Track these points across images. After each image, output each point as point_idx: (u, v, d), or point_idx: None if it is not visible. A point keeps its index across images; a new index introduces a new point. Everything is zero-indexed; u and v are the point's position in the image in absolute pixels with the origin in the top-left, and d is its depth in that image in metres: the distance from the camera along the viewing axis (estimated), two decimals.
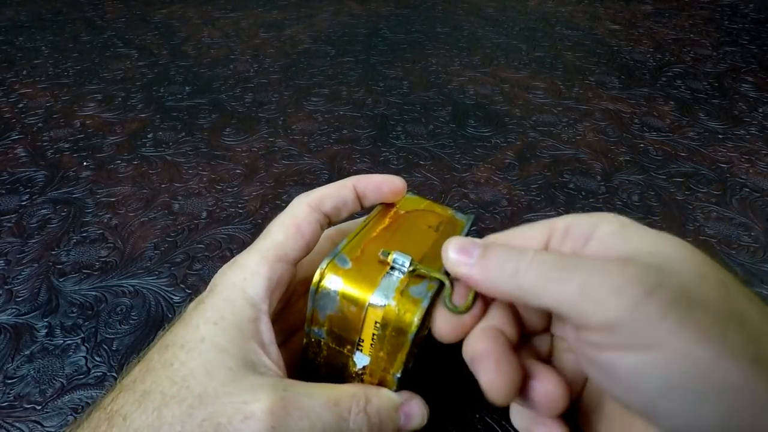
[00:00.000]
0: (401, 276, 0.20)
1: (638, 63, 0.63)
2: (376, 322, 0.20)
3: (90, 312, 0.30)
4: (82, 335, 0.29)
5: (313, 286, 0.20)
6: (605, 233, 0.18)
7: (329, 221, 0.24)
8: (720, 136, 0.49)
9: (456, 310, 0.20)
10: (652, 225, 0.20)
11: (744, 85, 0.58)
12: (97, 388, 0.26)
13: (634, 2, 0.83)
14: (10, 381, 0.27)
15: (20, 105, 0.51)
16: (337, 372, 0.22)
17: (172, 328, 0.20)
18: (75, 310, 0.31)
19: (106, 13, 0.74)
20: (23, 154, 0.44)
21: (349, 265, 0.20)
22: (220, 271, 0.22)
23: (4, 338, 0.29)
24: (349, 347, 0.21)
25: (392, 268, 0.21)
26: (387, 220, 0.24)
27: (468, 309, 0.20)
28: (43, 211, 0.38)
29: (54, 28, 0.69)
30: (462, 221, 0.25)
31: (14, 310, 0.31)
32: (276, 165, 0.43)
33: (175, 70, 0.59)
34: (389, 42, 0.67)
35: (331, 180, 0.41)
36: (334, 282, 0.20)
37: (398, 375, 0.20)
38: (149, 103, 0.52)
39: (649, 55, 0.65)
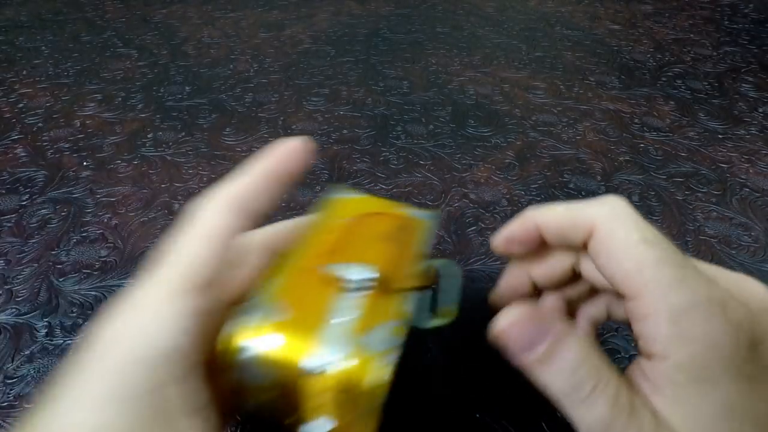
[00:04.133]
0: (353, 319, 0.15)
1: (638, 63, 0.63)
2: (325, 390, 0.15)
3: (90, 312, 0.30)
4: (82, 335, 0.29)
5: (220, 357, 0.15)
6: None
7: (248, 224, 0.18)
8: (720, 136, 0.49)
9: (442, 322, 0.18)
10: (651, 225, 0.20)
11: (744, 85, 0.58)
12: None
13: (634, 2, 0.82)
14: (10, 381, 0.27)
15: (20, 105, 0.51)
16: None
17: (42, 414, 0.14)
18: (75, 310, 0.31)
19: (106, 13, 0.74)
20: (23, 154, 0.44)
21: (277, 317, 0.15)
22: (105, 317, 0.15)
23: (4, 338, 0.29)
24: (292, 419, 0.16)
25: (349, 288, 0.16)
26: (324, 238, 0.18)
27: (454, 318, 0.18)
28: (43, 211, 0.38)
29: (54, 28, 0.69)
30: (422, 221, 0.20)
31: (14, 310, 0.31)
32: None
33: (175, 70, 0.59)
34: (389, 42, 0.67)
35: (330, 180, 0.42)
36: (252, 347, 0.14)
37: None
38: (149, 103, 0.52)
39: (649, 55, 0.65)
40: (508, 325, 0.16)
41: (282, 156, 0.19)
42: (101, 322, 0.15)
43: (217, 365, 0.16)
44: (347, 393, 0.15)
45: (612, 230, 0.17)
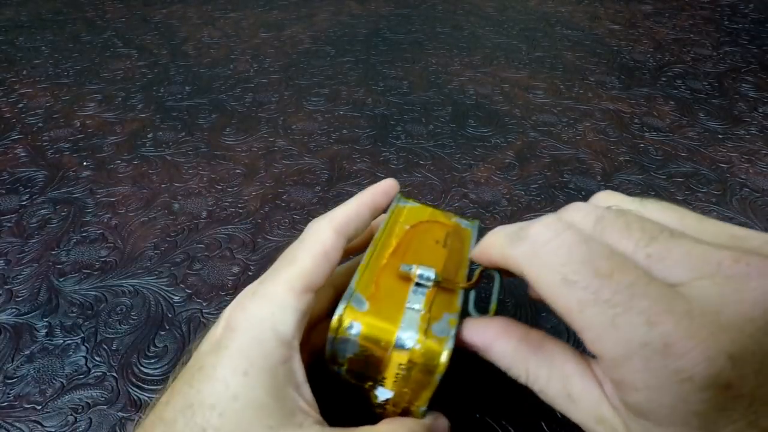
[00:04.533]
0: (421, 308, 0.19)
1: (638, 63, 0.63)
2: (400, 364, 0.19)
3: (90, 312, 0.30)
4: (82, 335, 0.29)
5: (331, 333, 0.19)
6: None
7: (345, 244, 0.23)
8: (720, 136, 0.49)
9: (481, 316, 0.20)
10: (582, 245, 0.19)
11: (744, 85, 0.58)
12: (97, 388, 0.26)
13: (634, 2, 0.82)
14: (10, 381, 0.27)
15: (20, 105, 0.51)
16: (358, 400, 0.21)
17: (190, 381, 0.18)
18: (75, 310, 0.31)
19: (106, 13, 0.74)
20: (23, 154, 0.44)
21: (366, 306, 0.19)
22: (236, 304, 0.19)
23: (4, 338, 0.29)
24: (370, 383, 0.20)
25: (417, 284, 0.20)
26: (393, 241, 0.23)
27: (494, 313, 0.20)
28: (43, 211, 0.38)
29: (54, 28, 0.69)
30: (467, 230, 0.25)
31: (14, 310, 0.31)
32: (276, 165, 0.43)
33: (175, 70, 0.59)
34: (389, 42, 0.67)
35: (330, 180, 0.42)
36: (353, 327, 0.19)
37: (424, 408, 0.20)
38: (149, 103, 0.52)
39: (649, 55, 0.65)
40: (465, 332, 0.20)
41: (377, 193, 0.23)
42: (235, 307, 0.19)
43: (310, 343, 0.21)
44: (410, 370, 0.19)
45: (535, 274, 0.16)
